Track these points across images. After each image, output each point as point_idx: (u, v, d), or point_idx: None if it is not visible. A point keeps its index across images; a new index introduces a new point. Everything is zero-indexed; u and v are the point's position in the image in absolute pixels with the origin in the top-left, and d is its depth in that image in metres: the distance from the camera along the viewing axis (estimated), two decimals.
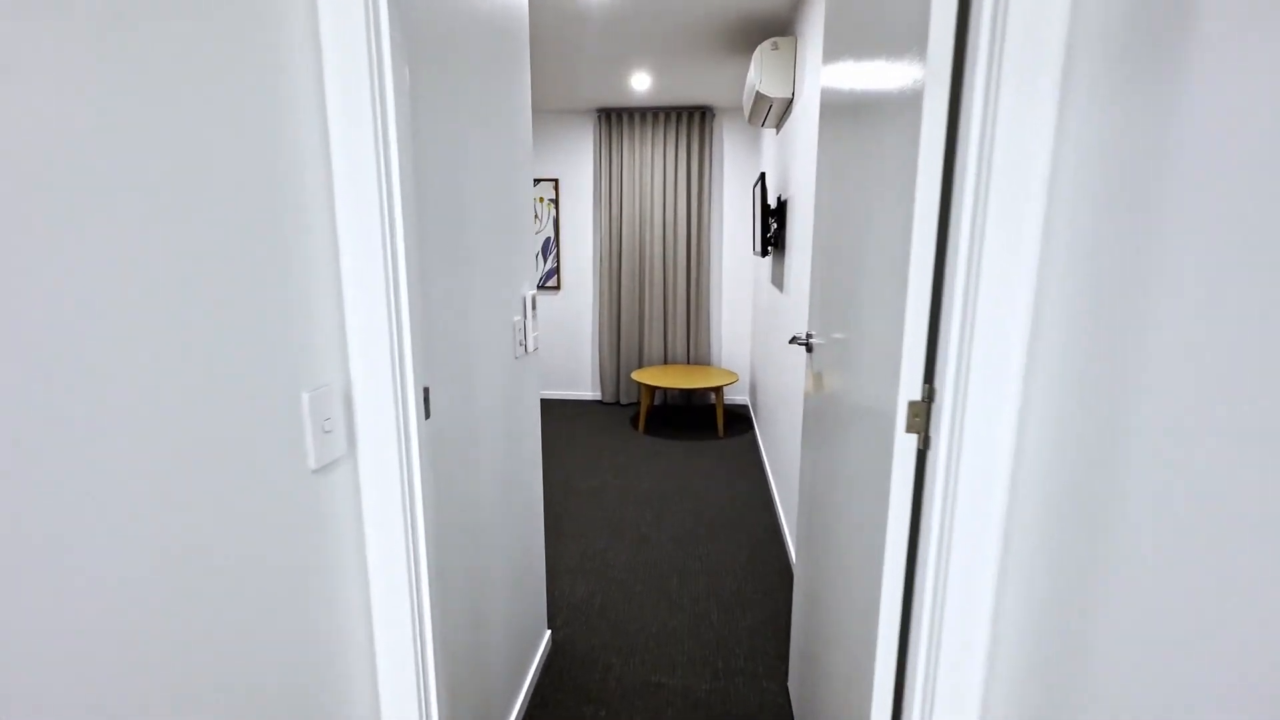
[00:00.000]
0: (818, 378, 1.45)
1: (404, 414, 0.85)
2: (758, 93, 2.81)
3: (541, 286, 5.10)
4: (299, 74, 0.72)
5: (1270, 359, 0.45)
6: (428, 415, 0.94)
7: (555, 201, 4.96)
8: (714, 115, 4.70)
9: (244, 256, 0.64)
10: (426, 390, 0.93)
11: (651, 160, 4.68)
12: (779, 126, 3.32)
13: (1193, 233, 0.52)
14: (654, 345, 4.92)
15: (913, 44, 0.84)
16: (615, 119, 4.68)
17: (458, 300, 1.19)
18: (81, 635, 0.49)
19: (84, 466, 0.49)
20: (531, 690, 1.78)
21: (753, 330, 4.78)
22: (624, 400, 5.05)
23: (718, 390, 4.17)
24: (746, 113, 3.30)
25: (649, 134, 4.64)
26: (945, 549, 0.82)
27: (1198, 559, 0.51)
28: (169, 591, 0.57)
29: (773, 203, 3.41)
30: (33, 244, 0.45)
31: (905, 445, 0.87)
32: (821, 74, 1.47)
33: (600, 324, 4.97)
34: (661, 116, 4.60)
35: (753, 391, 4.73)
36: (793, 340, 1.58)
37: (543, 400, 5.22)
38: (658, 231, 4.74)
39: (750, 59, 3.44)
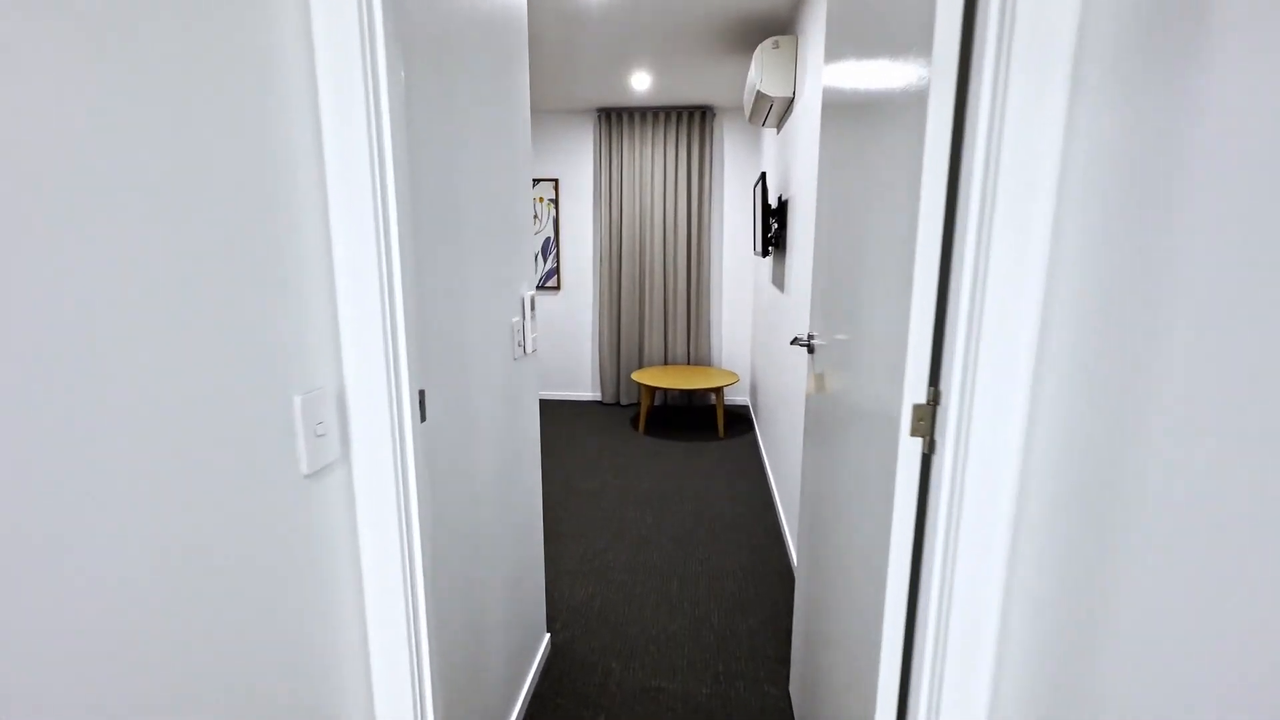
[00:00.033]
0: (820, 379, 1.43)
1: (399, 417, 0.83)
2: (758, 92, 2.79)
3: (541, 287, 5.08)
4: (290, 72, 0.71)
5: None
6: (423, 418, 0.92)
7: (555, 201, 4.94)
8: (714, 115, 4.68)
9: (233, 257, 0.63)
10: (422, 393, 0.92)
11: (652, 160, 4.66)
12: (780, 126, 3.30)
13: (1207, 231, 0.51)
14: (654, 346, 4.90)
15: (917, 41, 0.83)
16: (615, 119, 4.66)
17: (455, 301, 1.18)
18: (74, 640, 0.48)
19: (63, 472, 0.47)
20: (530, 694, 1.76)
21: (753, 331, 4.77)
22: (624, 401, 5.04)
23: (718, 391, 4.16)
24: (747, 112, 3.28)
25: (649, 134, 4.62)
26: (951, 555, 0.80)
27: (1211, 567, 0.49)
28: (154, 598, 0.55)
29: (773, 203, 3.40)
30: (10, 242, 0.43)
31: (910, 449, 0.85)
32: (823, 73, 1.45)
33: (600, 324, 4.95)
34: (662, 116, 4.59)
35: (753, 392, 4.71)
36: (794, 341, 1.57)
37: (542, 401, 5.21)
38: (658, 231, 4.73)
39: (751, 58, 3.43)
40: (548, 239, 5.00)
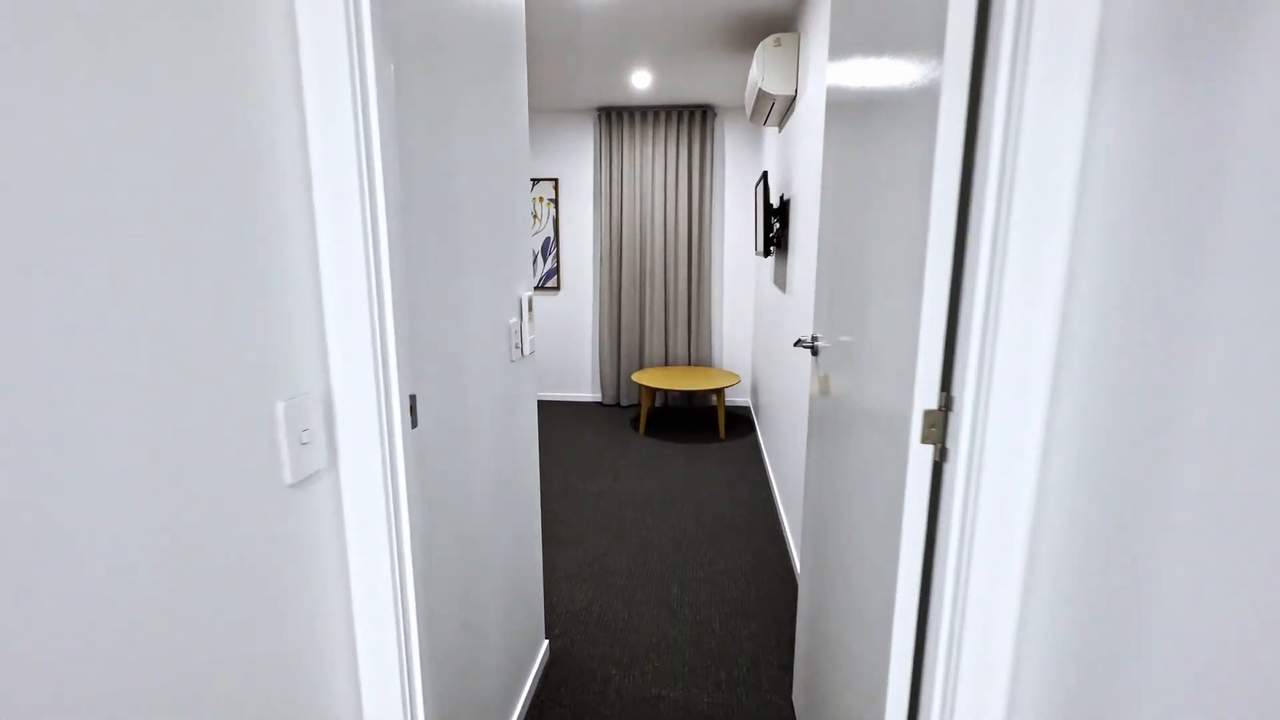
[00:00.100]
0: (824, 381, 1.40)
1: (388, 423, 0.80)
2: (760, 90, 2.76)
3: (541, 287, 5.05)
4: (274, 64, 0.68)
5: None
6: (414, 424, 0.89)
7: (555, 201, 4.91)
8: (715, 114, 4.65)
9: (206, 254, 0.60)
10: (413, 398, 0.88)
11: (652, 159, 4.63)
12: (781, 125, 3.27)
13: (1243, 228, 0.47)
14: (655, 346, 4.87)
15: (928, 36, 0.79)
16: (615, 118, 4.63)
17: (449, 302, 1.14)
18: (47, 656, 0.44)
19: (25, 483, 0.44)
20: (529, 703, 1.73)
21: (754, 331, 4.73)
22: (624, 402, 5.00)
23: (719, 392, 4.12)
24: (748, 111, 3.25)
25: (649, 133, 4.59)
26: (964, 568, 0.77)
27: (1253, 582, 0.46)
28: (124, 617, 0.52)
29: (775, 202, 3.36)
30: None
31: (920, 457, 0.82)
32: (827, 71, 1.42)
33: (600, 325, 4.92)
34: (662, 115, 4.56)
35: (754, 393, 4.67)
36: (798, 343, 1.53)
37: (542, 402, 5.17)
38: (658, 231, 4.70)
39: (752, 56, 3.39)
40: (547, 239, 4.97)
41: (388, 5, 0.75)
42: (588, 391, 5.19)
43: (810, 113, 2.41)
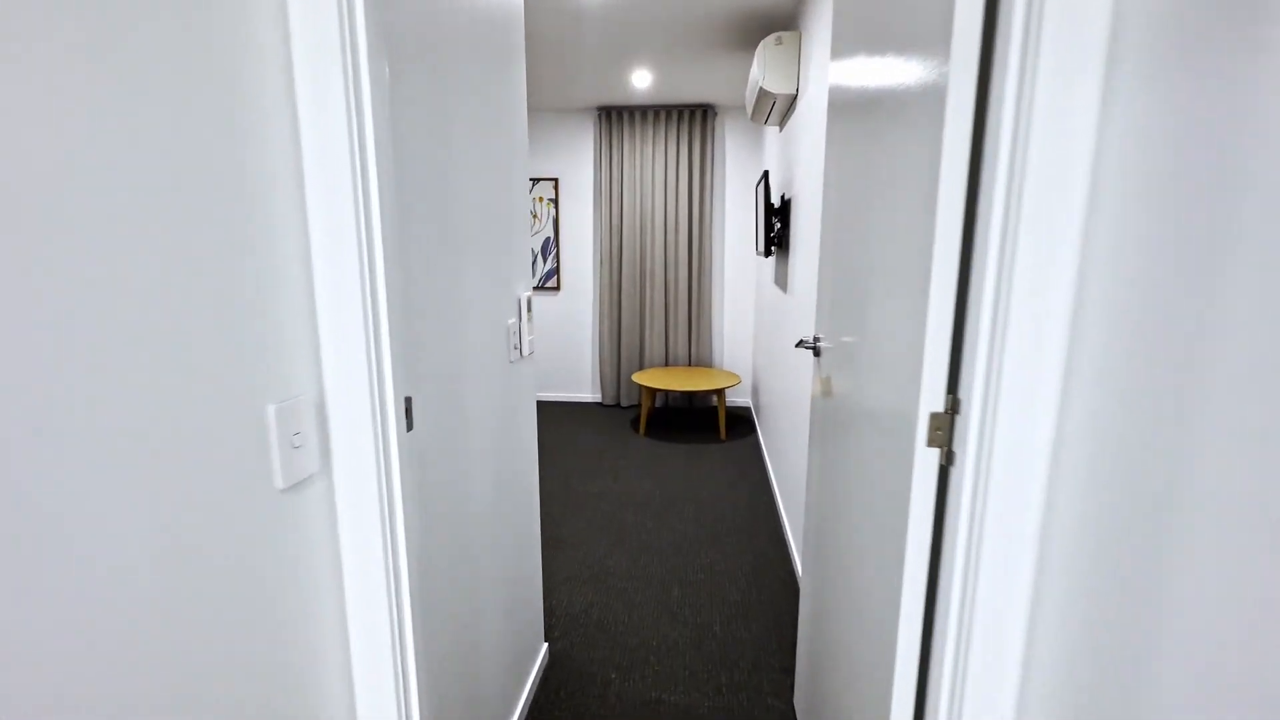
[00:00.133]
0: (826, 382, 1.38)
1: (383, 426, 0.78)
2: (761, 89, 2.74)
3: (541, 287, 5.03)
4: (265, 62, 0.66)
5: None
6: (410, 427, 0.87)
7: (555, 201, 4.89)
8: (716, 113, 4.63)
9: (196, 255, 0.58)
10: (409, 400, 0.87)
11: (652, 159, 4.61)
12: (782, 124, 3.25)
13: (1265, 228, 0.46)
14: (655, 347, 4.85)
15: (934, 33, 0.78)
16: (615, 117, 4.61)
17: (446, 303, 1.13)
18: (35, 662, 0.43)
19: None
20: (528, 707, 1.71)
21: (755, 332, 4.72)
22: (624, 402, 4.99)
23: (719, 392, 4.11)
24: (749, 110, 3.23)
25: (650, 132, 4.57)
26: (971, 575, 0.75)
27: (1269, 592, 0.44)
28: (104, 628, 0.51)
29: (776, 202, 3.35)
30: None
31: (926, 460, 0.80)
32: (830, 70, 1.40)
33: (600, 325, 4.90)
34: (662, 115, 4.54)
35: (755, 393, 4.66)
36: (800, 344, 1.52)
37: (542, 402, 5.16)
38: (659, 231, 4.68)
39: (753, 55, 3.38)
40: (547, 239, 4.95)
41: (383, 4, 0.74)
42: (588, 392, 5.17)
43: (811, 112, 2.39)
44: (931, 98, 0.78)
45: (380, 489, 0.79)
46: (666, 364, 4.89)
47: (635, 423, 4.51)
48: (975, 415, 0.73)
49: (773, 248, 3.21)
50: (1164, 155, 0.57)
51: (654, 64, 3.56)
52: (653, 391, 4.20)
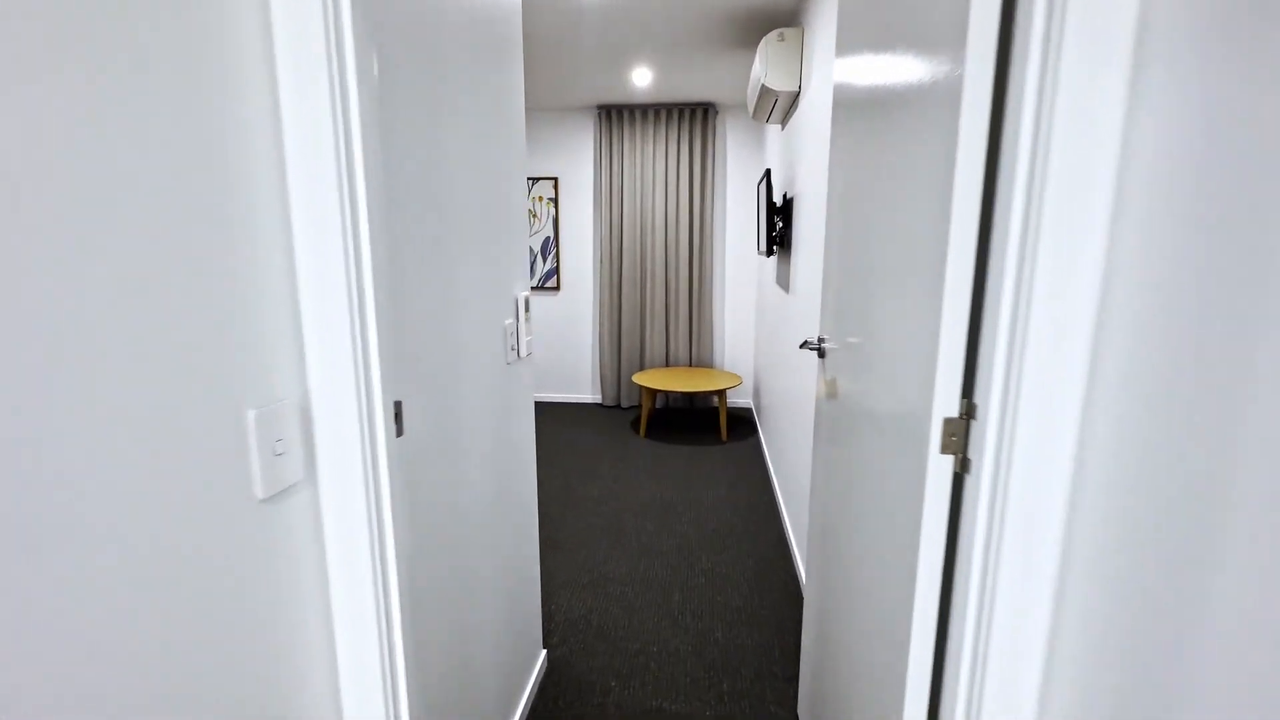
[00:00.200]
0: (832, 384, 1.34)
1: (370, 432, 0.75)
2: (763, 86, 2.71)
3: (541, 287, 5.00)
4: (245, 51, 0.62)
5: None
6: (400, 432, 0.84)
7: (555, 200, 4.86)
8: (717, 112, 4.60)
9: (166, 252, 0.54)
10: (398, 404, 0.83)
11: (653, 158, 4.58)
12: (784, 122, 3.22)
13: None
14: (655, 347, 4.82)
15: (947, 28, 0.74)
16: (616, 116, 4.58)
17: (440, 304, 1.09)
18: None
19: None
20: (525, 717, 1.67)
21: (756, 332, 4.68)
22: (625, 403, 4.95)
23: (721, 393, 4.07)
24: (751, 108, 3.19)
25: (650, 131, 4.54)
26: (989, 588, 0.71)
27: None
28: (68, 649, 0.47)
29: (778, 200, 3.31)
30: None
31: (940, 468, 0.77)
32: (835, 68, 1.37)
33: (601, 325, 4.87)
34: (663, 113, 4.51)
35: (756, 394, 4.62)
36: (804, 345, 1.48)
37: (541, 403, 5.12)
38: (659, 231, 4.64)
39: (754, 53, 3.34)
40: (547, 239, 4.92)
41: None
42: (587, 393, 5.14)
43: (814, 109, 2.36)
44: (945, 92, 0.75)
45: (368, 498, 0.75)
46: (667, 364, 4.85)
47: (635, 424, 4.48)
48: (993, 421, 0.69)
49: (774, 247, 3.18)
50: (1196, 148, 0.53)
51: (654, 62, 3.53)
52: (653, 392, 4.16)
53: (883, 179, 0.99)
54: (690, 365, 4.80)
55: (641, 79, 3.87)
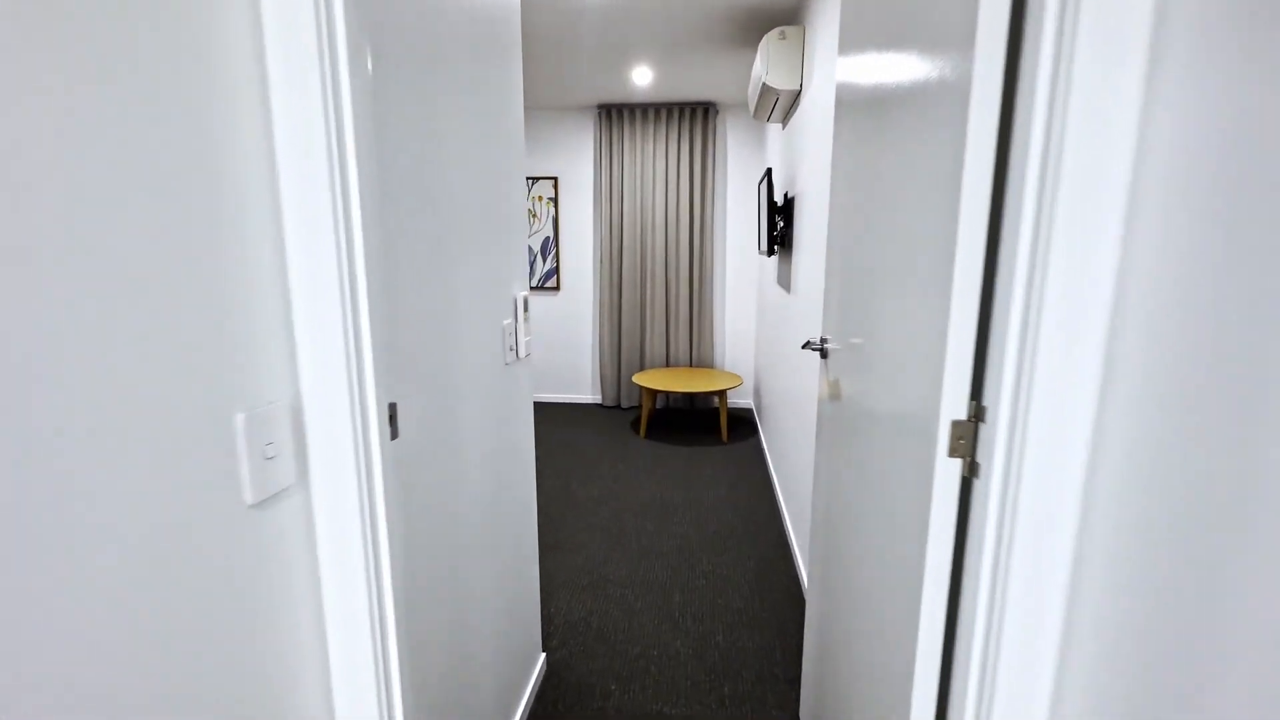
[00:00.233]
0: (835, 385, 1.32)
1: (364, 435, 0.73)
2: (764, 84, 2.69)
3: (541, 287, 4.98)
4: (234, 45, 0.61)
5: None
6: (395, 435, 0.82)
7: (555, 200, 4.84)
8: (717, 111, 4.58)
9: (150, 250, 0.53)
10: (393, 406, 0.81)
11: (653, 157, 4.56)
12: (785, 121, 3.20)
13: None
14: (656, 347, 4.80)
15: (955, 24, 0.72)
16: (616, 115, 4.56)
17: (436, 304, 1.07)
18: None
19: None
20: None
21: (757, 332, 4.66)
22: (625, 404, 4.93)
23: (721, 394, 4.05)
24: (752, 107, 3.18)
25: (650, 130, 4.52)
26: (999, 596, 0.70)
27: None
28: (39, 670, 0.45)
29: (779, 200, 3.29)
30: None
31: (947, 471, 0.75)
32: (837, 66, 1.35)
33: (601, 325, 4.85)
34: (664, 113, 4.49)
35: (757, 395, 4.60)
36: (806, 345, 1.46)
37: (541, 404, 5.10)
38: (660, 230, 4.63)
39: (755, 51, 3.32)
40: (547, 238, 4.90)
41: None
42: (587, 393, 5.12)
43: (816, 108, 2.34)
44: (953, 90, 0.73)
45: (362, 502, 0.73)
46: (667, 365, 4.83)
47: (636, 424, 4.46)
48: (1003, 424, 0.67)
49: (776, 247, 3.16)
50: (1216, 147, 0.51)
51: (655, 61, 3.51)
52: (653, 393, 4.14)
53: (887, 178, 0.98)
54: (690, 365, 4.79)
55: (642, 78, 3.85)
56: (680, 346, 4.77)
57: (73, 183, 0.46)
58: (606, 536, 2.74)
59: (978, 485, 0.72)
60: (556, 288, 4.96)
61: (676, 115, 4.47)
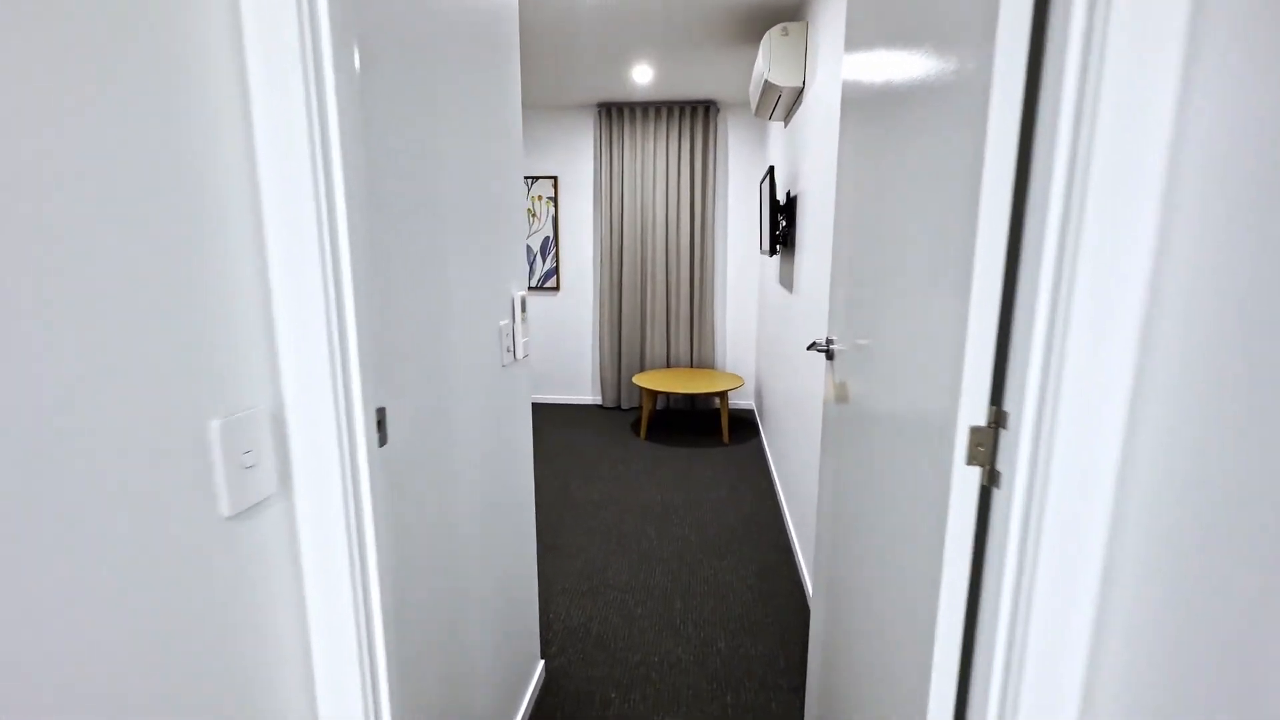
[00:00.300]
0: (841, 387, 1.29)
1: (349, 441, 0.69)
2: (766, 82, 2.65)
3: (540, 287, 4.94)
4: (211, 36, 0.57)
5: None
6: (383, 441, 0.78)
7: (554, 199, 4.80)
8: (718, 109, 4.54)
9: (119, 248, 0.49)
10: (382, 411, 0.78)
11: (654, 156, 4.52)
12: (787, 119, 3.16)
13: None
14: (656, 348, 4.76)
15: (973, 18, 0.68)
16: (616, 114, 4.52)
17: (430, 304, 1.04)
18: None
19: None
20: None
21: (759, 332, 4.63)
22: (625, 405, 4.89)
23: (722, 395, 4.01)
24: (754, 105, 3.14)
25: (651, 129, 4.48)
26: (1021, 613, 0.66)
27: None
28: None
29: (782, 199, 3.25)
30: None
31: (966, 480, 0.71)
32: (844, 63, 1.31)
33: (601, 326, 4.81)
34: (664, 111, 4.45)
35: (758, 396, 4.57)
36: (811, 346, 1.43)
37: (540, 405, 5.06)
38: (660, 230, 4.59)
39: (757, 49, 3.29)
40: (547, 238, 4.86)
41: None
42: (587, 394, 5.08)
43: (819, 105, 2.30)
44: (971, 81, 0.69)
45: (347, 511, 0.70)
46: (668, 365, 4.79)
47: (636, 426, 4.42)
48: (1027, 431, 0.63)
49: (778, 246, 3.12)
50: (1261, 136, 0.47)
51: (655, 59, 3.47)
52: (654, 394, 4.11)
53: (898, 176, 0.94)
54: (691, 366, 4.75)
55: (642, 76, 3.81)
56: (681, 347, 4.73)
57: (41, 183, 0.42)
58: (606, 540, 2.70)
59: (998, 495, 0.69)
60: (556, 288, 4.92)
61: (677, 113, 4.44)
